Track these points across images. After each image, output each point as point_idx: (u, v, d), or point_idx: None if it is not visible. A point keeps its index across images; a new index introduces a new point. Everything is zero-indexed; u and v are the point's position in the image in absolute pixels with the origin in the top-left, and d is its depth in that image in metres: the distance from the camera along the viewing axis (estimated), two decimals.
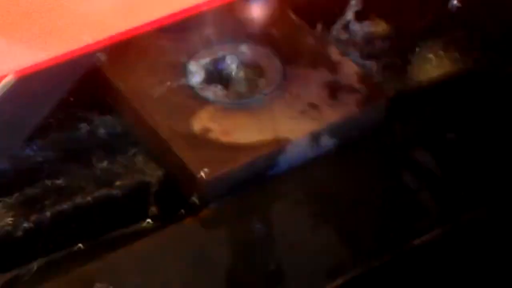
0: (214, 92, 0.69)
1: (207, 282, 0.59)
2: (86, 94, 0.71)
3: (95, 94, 0.72)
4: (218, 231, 0.62)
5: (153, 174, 0.66)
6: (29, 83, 0.59)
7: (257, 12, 0.67)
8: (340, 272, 0.59)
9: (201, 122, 0.66)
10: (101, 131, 0.70)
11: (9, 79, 0.55)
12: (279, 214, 0.63)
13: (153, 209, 0.65)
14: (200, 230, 0.62)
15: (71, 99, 0.68)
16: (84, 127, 0.70)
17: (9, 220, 0.63)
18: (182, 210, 0.65)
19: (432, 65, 0.81)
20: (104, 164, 0.68)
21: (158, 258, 0.59)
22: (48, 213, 0.63)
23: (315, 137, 0.66)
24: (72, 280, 0.59)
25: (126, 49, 0.72)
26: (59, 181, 0.66)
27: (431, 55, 0.81)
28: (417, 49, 0.82)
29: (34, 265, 0.61)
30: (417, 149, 0.69)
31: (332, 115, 0.67)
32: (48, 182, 0.66)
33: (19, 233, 0.62)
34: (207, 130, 0.66)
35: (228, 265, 0.59)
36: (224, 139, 0.65)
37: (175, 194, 0.66)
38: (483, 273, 0.67)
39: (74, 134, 0.70)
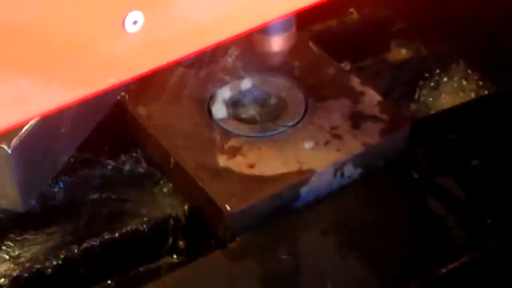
0: (238, 125, 0.71)
1: None
2: (112, 131, 0.73)
3: (120, 131, 0.74)
4: (245, 263, 0.63)
5: (179, 208, 0.68)
6: (55, 123, 0.63)
7: (278, 44, 0.69)
8: None
9: (226, 155, 0.68)
10: (127, 167, 0.72)
11: (35, 119, 0.58)
12: (306, 245, 0.65)
13: (181, 243, 0.67)
14: (228, 263, 0.63)
15: (97, 137, 0.71)
16: (110, 163, 0.72)
17: (39, 257, 0.65)
18: (210, 243, 0.66)
19: (454, 89, 0.83)
20: (131, 199, 0.71)
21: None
22: (76, 250, 0.65)
23: (339, 167, 0.68)
24: None
25: (149, 84, 0.74)
26: (86, 218, 0.69)
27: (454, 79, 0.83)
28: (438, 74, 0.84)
29: None
30: (442, 176, 0.71)
31: (355, 145, 0.69)
32: (75, 219, 0.69)
33: (48, 270, 0.64)
34: (232, 163, 0.67)
35: None
36: (249, 171, 0.67)
37: (202, 228, 0.68)
38: None
39: (100, 171, 0.72)
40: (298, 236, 0.66)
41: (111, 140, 0.74)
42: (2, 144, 0.59)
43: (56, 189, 0.70)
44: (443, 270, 0.63)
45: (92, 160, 0.73)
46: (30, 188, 0.64)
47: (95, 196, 0.71)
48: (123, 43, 0.42)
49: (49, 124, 0.62)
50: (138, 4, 0.40)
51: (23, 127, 0.59)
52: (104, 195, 0.71)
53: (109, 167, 0.72)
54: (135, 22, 0.39)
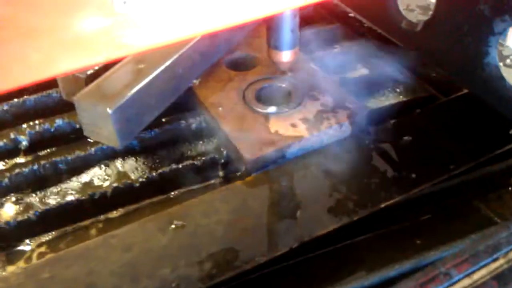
0: (261, 107, 1.06)
1: (247, 220, 0.88)
2: (185, 104, 1.10)
3: (191, 104, 1.11)
4: (257, 190, 0.93)
5: (221, 152, 1.03)
6: (144, 95, 0.94)
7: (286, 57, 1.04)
8: (343, 214, 0.88)
9: (250, 124, 1.03)
10: (193, 125, 1.09)
11: (131, 92, 0.90)
12: (297, 179, 0.94)
13: (220, 173, 1.03)
14: (246, 189, 0.94)
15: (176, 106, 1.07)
16: (183, 123, 1.09)
17: (133, 174, 1.02)
18: (237, 175, 1.00)
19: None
20: (193, 145, 1.08)
21: (217, 205, 0.91)
22: (154, 173, 0.99)
23: (320, 136, 1.01)
24: (157, 218, 0.90)
25: (209, 77, 1.12)
26: (164, 153, 1.05)
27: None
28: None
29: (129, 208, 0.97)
30: (385, 144, 0.99)
31: (332, 122, 1.02)
32: (159, 153, 1.06)
33: (137, 185, 0.98)
34: (254, 128, 1.01)
35: (261, 210, 0.89)
36: (264, 134, 1.00)
37: (232, 166, 1.02)
38: None
39: (177, 126, 1.09)
40: (292, 174, 0.96)
41: (184, 110, 1.11)
42: (107, 107, 0.89)
43: (149, 135, 1.06)
44: (382, 206, 0.90)
45: (172, 120, 1.10)
46: (125, 134, 0.94)
47: (172, 141, 1.07)
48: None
49: (140, 96, 0.93)
50: None
51: (122, 95, 0.89)
52: (177, 141, 1.08)
53: (182, 124, 1.09)
54: None
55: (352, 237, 0.92)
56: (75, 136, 1.08)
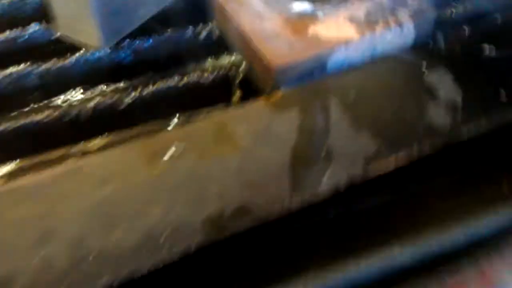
0: (289, 5, 0.80)
1: (269, 154, 0.64)
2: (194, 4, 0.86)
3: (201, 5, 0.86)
4: (286, 112, 0.70)
5: (238, 68, 0.78)
6: None
7: None
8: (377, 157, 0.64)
9: (279, 24, 0.77)
10: (203, 34, 0.85)
11: None
12: (336, 104, 0.70)
13: (238, 93, 0.78)
14: (270, 109, 0.70)
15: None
16: (190, 31, 0.85)
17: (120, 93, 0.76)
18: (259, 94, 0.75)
19: None
20: (202, 60, 0.83)
21: (230, 129, 0.67)
22: (152, 89, 0.75)
23: (371, 40, 0.75)
24: (147, 143, 0.67)
25: None
26: (165, 68, 0.81)
27: None
28: None
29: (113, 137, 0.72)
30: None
31: (387, 24, 0.76)
32: (156, 68, 0.81)
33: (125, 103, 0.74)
34: (283, 30, 0.76)
35: (288, 138, 0.66)
36: (295, 37, 0.75)
37: (255, 85, 0.77)
38: None
39: (182, 35, 0.84)
40: (330, 96, 0.71)
41: (193, 13, 0.87)
42: None
43: (145, 45, 0.82)
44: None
45: (175, 25, 0.85)
46: (111, 30, 0.72)
47: (174, 54, 0.83)
48: None
49: None
50: None
51: None
52: (182, 54, 0.83)
53: (189, 32, 0.84)
54: None
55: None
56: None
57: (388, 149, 0.65)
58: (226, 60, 0.82)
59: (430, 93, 0.71)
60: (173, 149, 0.64)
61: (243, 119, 0.69)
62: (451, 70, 0.74)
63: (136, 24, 0.74)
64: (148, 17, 0.76)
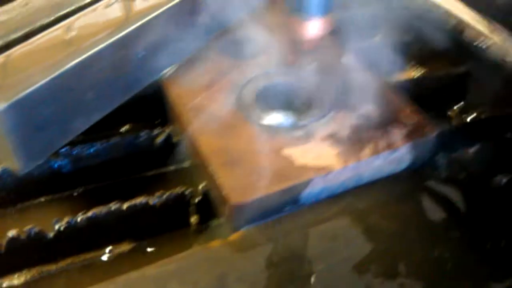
0: (265, 115, 0.67)
1: None
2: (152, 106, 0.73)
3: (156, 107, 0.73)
4: (245, 257, 0.58)
5: (196, 187, 0.65)
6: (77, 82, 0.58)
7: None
8: None
9: (245, 142, 0.64)
10: (158, 141, 0.71)
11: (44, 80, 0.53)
12: (318, 245, 0.59)
13: (194, 218, 0.65)
14: (227, 254, 0.58)
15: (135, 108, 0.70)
16: (142, 136, 0.71)
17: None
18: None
19: None
20: (154, 172, 0.71)
21: (190, 275, 0.56)
22: (80, 219, 0.62)
23: (356, 168, 0.62)
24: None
25: (189, 67, 0.73)
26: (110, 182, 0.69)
27: None
28: None
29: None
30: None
31: (376, 147, 0.64)
32: (99, 181, 0.69)
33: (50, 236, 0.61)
34: (249, 151, 0.63)
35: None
36: (263, 163, 0.62)
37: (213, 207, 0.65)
38: None
39: (132, 140, 0.71)
40: (307, 235, 0.60)
41: (147, 115, 0.74)
42: None
43: (86, 153, 0.69)
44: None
45: (124, 130, 0.74)
46: (35, 150, 0.58)
47: (122, 163, 0.70)
48: None
49: (64, 84, 0.57)
50: None
51: (30, 82, 0.53)
52: (131, 164, 0.70)
53: (141, 138, 0.71)
54: None
55: None
56: None
57: None
58: (184, 175, 0.69)
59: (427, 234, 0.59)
60: None
61: (189, 270, 0.56)
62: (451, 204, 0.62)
63: (71, 137, 0.60)
64: (88, 126, 0.61)
